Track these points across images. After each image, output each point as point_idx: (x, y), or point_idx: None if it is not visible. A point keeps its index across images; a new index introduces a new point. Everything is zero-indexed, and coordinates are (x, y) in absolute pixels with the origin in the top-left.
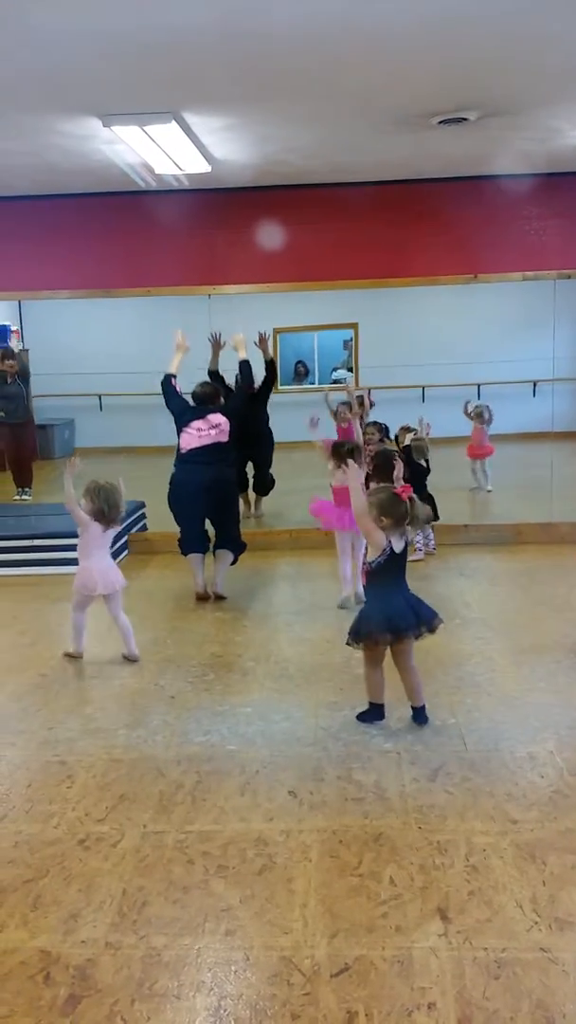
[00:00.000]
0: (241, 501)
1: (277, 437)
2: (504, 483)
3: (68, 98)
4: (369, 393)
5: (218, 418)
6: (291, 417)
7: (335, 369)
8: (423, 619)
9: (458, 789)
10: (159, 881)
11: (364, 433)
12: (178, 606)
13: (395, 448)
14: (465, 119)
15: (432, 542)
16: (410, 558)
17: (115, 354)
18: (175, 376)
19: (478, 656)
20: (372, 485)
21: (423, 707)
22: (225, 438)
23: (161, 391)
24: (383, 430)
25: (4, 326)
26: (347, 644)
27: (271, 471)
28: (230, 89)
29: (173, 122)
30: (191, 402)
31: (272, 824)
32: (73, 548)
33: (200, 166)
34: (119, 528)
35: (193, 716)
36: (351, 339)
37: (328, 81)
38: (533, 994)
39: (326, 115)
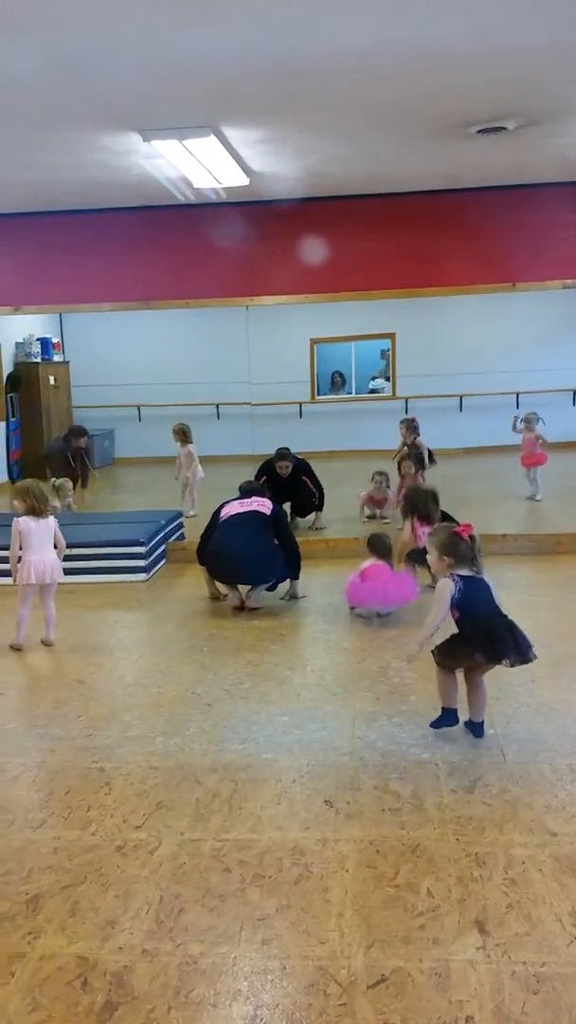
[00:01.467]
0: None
1: (314, 447)
2: (544, 492)
3: (110, 115)
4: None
5: (258, 500)
6: (328, 426)
7: (373, 378)
8: (521, 648)
9: (496, 801)
10: (196, 889)
11: (400, 468)
12: (215, 614)
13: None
14: (504, 128)
15: None
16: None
17: (154, 365)
18: None
19: (517, 668)
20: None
21: (482, 722)
22: (266, 511)
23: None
24: (414, 428)
25: (46, 338)
26: (432, 656)
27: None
28: (268, 103)
29: (212, 136)
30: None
31: (308, 833)
32: (111, 557)
33: (238, 179)
34: (51, 518)
35: (230, 724)
36: (388, 349)
37: (365, 93)
38: (573, 1010)
39: (363, 127)
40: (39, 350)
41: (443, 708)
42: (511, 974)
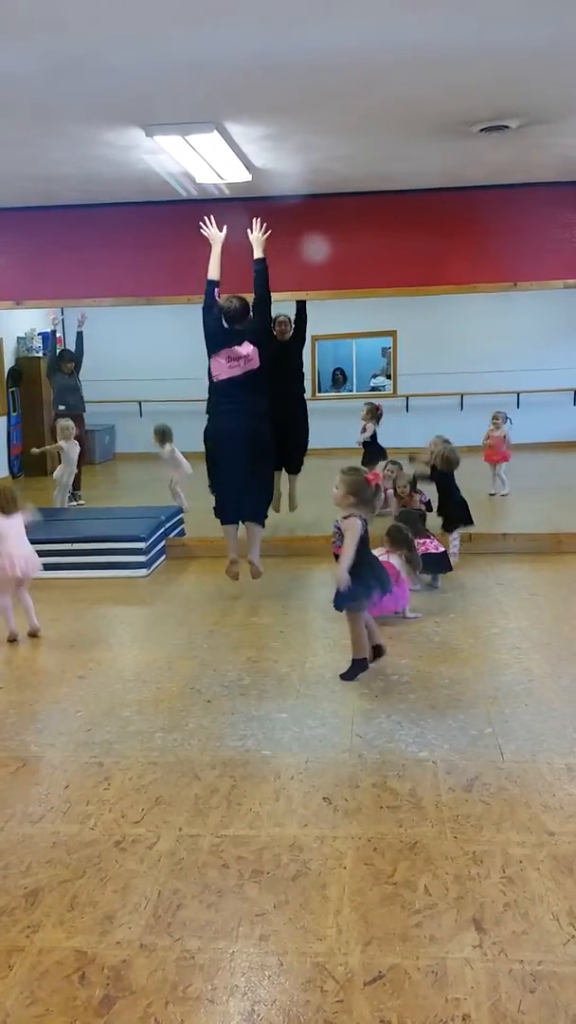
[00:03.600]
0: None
1: (314, 444)
2: (544, 492)
3: (112, 110)
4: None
5: (246, 348)
6: (329, 423)
7: (374, 376)
8: (385, 582)
9: (494, 799)
10: (194, 884)
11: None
12: (215, 611)
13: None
14: (506, 127)
15: (456, 549)
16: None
17: (155, 361)
18: (218, 284)
19: (516, 666)
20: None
21: (381, 644)
22: (256, 365)
23: (204, 298)
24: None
25: (46, 332)
26: (337, 609)
27: (305, 435)
28: (271, 100)
29: (215, 131)
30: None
31: (307, 830)
32: (112, 553)
33: (241, 175)
34: (20, 511)
35: (228, 721)
36: (390, 347)
37: (368, 91)
38: (569, 1008)
39: (366, 124)
40: (40, 345)
41: (354, 659)
42: (508, 972)
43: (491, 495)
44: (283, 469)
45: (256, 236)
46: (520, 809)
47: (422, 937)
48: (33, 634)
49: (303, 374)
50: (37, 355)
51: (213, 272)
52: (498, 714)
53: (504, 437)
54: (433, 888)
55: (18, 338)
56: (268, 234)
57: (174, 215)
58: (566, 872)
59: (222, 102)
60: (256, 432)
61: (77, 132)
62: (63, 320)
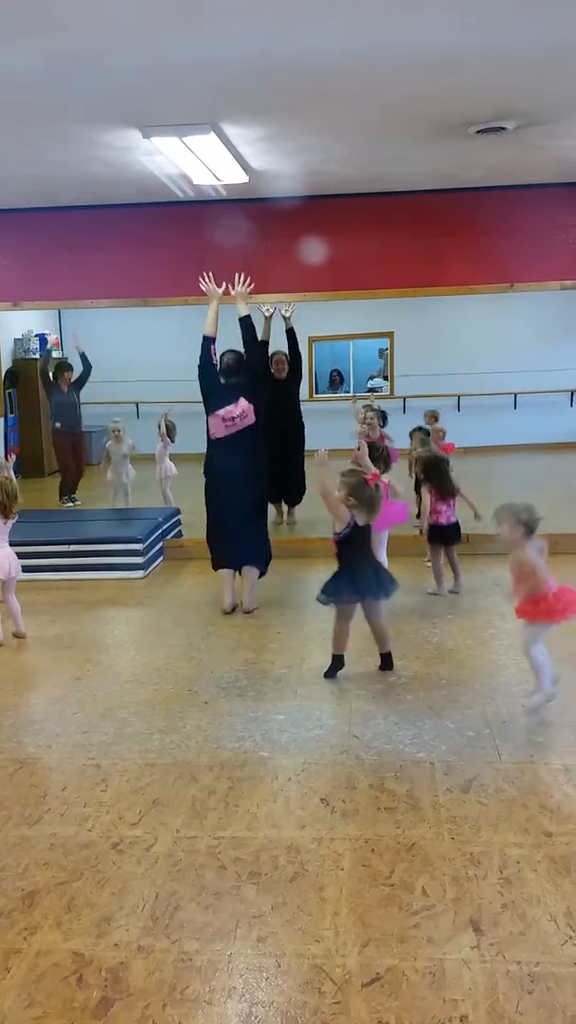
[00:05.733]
0: (273, 509)
1: (312, 444)
2: (541, 493)
3: (110, 111)
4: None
5: (240, 406)
6: (326, 424)
7: (371, 377)
8: (383, 586)
9: (492, 800)
10: (191, 886)
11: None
12: (212, 612)
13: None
14: (503, 128)
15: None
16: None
17: (152, 363)
18: (213, 340)
19: (513, 667)
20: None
21: (389, 653)
22: (252, 421)
23: (200, 355)
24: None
25: (42, 334)
26: (317, 600)
27: (302, 473)
28: (268, 101)
29: (212, 133)
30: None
31: (304, 832)
32: (109, 554)
33: (238, 176)
34: (15, 518)
35: (226, 722)
36: (387, 348)
37: (365, 92)
38: (567, 1009)
39: (363, 126)
40: (37, 347)
41: (333, 655)
42: (505, 973)
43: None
44: (283, 502)
45: (239, 290)
46: (518, 810)
47: (420, 938)
48: (18, 636)
49: (300, 409)
50: (34, 357)
51: (210, 329)
52: (495, 715)
53: (440, 431)
54: (431, 889)
55: (15, 339)
56: (251, 287)
57: (172, 216)
58: (563, 873)
59: (219, 103)
60: (255, 486)
61: (76, 133)
62: (60, 326)
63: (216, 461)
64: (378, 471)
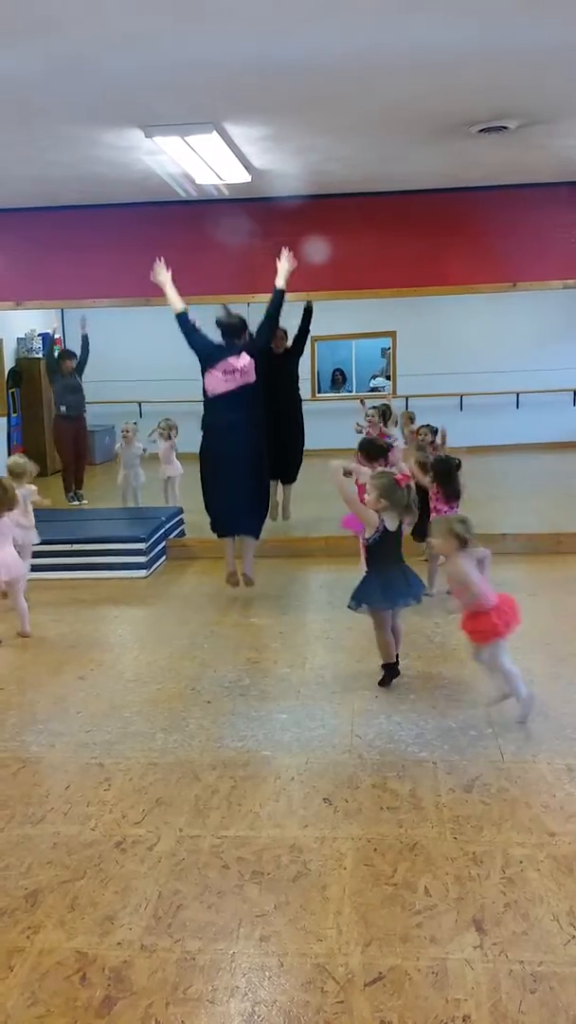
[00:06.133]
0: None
1: (313, 444)
2: (543, 492)
3: (112, 111)
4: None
5: (242, 360)
6: (328, 424)
7: (373, 377)
8: (413, 591)
9: (494, 800)
10: (194, 885)
11: (417, 434)
12: (215, 611)
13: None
14: (505, 128)
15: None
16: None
17: (155, 362)
18: (186, 312)
19: (516, 666)
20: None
21: (397, 656)
22: (252, 379)
23: (181, 332)
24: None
25: (46, 333)
26: (348, 607)
27: (298, 451)
28: (270, 101)
29: (214, 132)
30: (209, 331)
31: (307, 831)
32: (112, 553)
33: (240, 176)
34: (6, 518)
35: (229, 721)
36: (389, 347)
37: (367, 92)
38: (570, 1009)
39: (365, 125)
40: (40, 346)
41: (384, 665)
42: (508, 973)
43: None
44: (278, 479)
45: (283, 265)
46: (520, 809)
47: (422, 938)
48: (23, 635)
49: (298, 385)
50: (37, 356)
51: (177, 305)
52: (498, 714)
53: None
54: (433, 889)
55: (18, 339)
56: (295, 267)
57: (174, 216)
58: (566, 872)
59: (221, 103)
60: (252, 446)
61: (77, 133)
62: (63, 324)
63: (213, 420)
64: (408, 475)
